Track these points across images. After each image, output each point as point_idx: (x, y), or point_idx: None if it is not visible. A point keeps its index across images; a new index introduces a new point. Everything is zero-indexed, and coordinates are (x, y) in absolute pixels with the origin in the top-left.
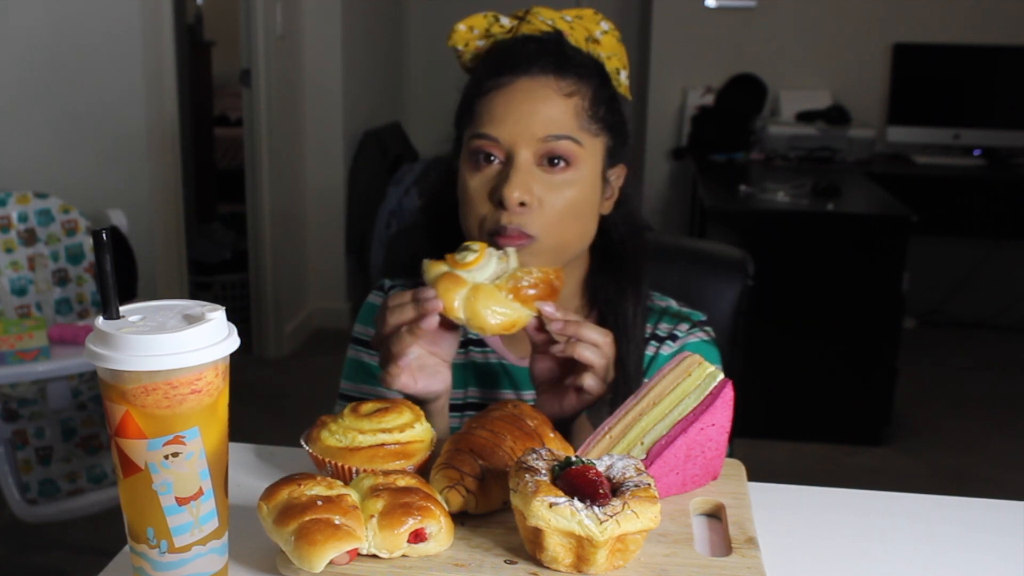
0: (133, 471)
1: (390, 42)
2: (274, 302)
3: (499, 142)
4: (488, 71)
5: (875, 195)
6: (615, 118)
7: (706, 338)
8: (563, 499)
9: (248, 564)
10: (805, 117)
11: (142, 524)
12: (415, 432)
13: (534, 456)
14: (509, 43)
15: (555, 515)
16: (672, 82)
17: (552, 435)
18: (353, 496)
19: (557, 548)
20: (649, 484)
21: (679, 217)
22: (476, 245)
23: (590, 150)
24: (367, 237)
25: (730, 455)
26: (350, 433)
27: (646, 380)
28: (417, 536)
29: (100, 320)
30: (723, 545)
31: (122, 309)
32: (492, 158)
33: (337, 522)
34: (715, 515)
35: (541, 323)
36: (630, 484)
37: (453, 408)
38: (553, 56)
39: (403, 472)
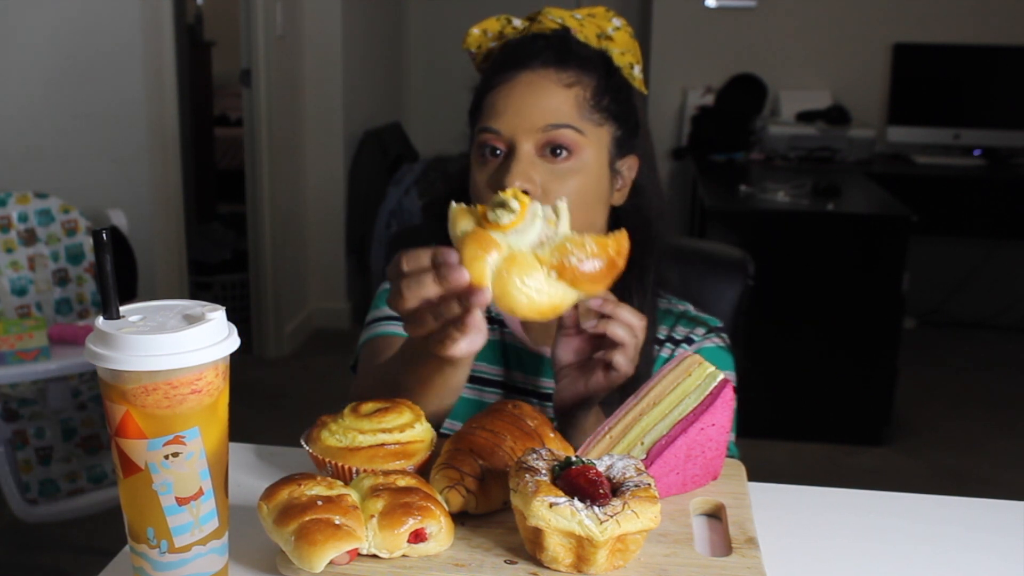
0: (133, 471)
1: (390, 42)
2: (274, 302)
3: (501, 134)
4: (494, 68)
5: (875, 195)
6: (622, 108)
7: (722, 344)
8: (563, 499)
9: (248, 564)
10: (805, 117)
11: (142, 524)
12: (415, 432)
13: (534, 456)
14: (517, 41)
15: (555, 515)
16: (672, 82)
17: (552, 435)
18: (353, 496)
19: (557, 548)
20: (649, 484)
21: (679, 217)
22: (515, 201)
23: (593, 139)
24: (367, 237)
25: (730, 455)
26: (350, 433)
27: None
28: (417, 536)
29: (100, 320)
30: (723, 545)
31: (122, 309)
32: (497, 151)
33: (337, 522)
34: (715, 515)
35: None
36: (630, 484)
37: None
38: (555, 50)
39: (403, 472)
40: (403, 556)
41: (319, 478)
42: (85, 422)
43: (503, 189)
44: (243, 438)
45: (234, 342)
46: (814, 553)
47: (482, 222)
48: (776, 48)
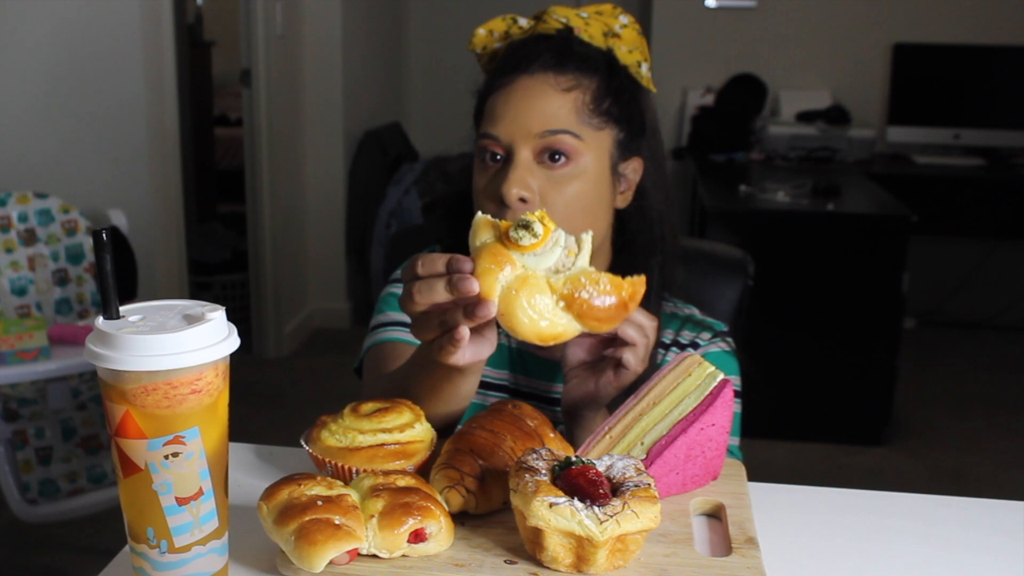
0: (133, 471)
1: (390, 42)
2: (274, 302)
3: (499, 140)
4: (496, 71)
5: (875, 195)
6: (625, 110)
7: (727, 348)
8: (563, 499)
9: (248, 564)
10: (805, 117)
11: (142, 524)
12: (415, 432)
13: (534, 456)
14: (519, 43)
15: (555, 515)
16: (672, 82)
17: (552, 435)
18: (353, 496)
19: (557, 548)
20: (649, 484)
21: (679, 217)
22: (539, 226)
23: (593, 144)
24: (367, 237)
25: (730, 455)
26: (350, 433)
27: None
28: (417, 536)
29: (100, 320)
30: (723, 545)
31: (122, 309)
32: (497, 156)
33: (337, 522)
34: (715, 515)
35: None
36: (630, 484)
37: None
38: (554, 53)
39: (403, 472)
40: (403, 556)
41: (319, 478)
42: (85, 422)
43: (501, 196)
44: (243, 438)
45: (234, 342)
46: (814, 553)
47: (503, 238)
48: (776, 48)
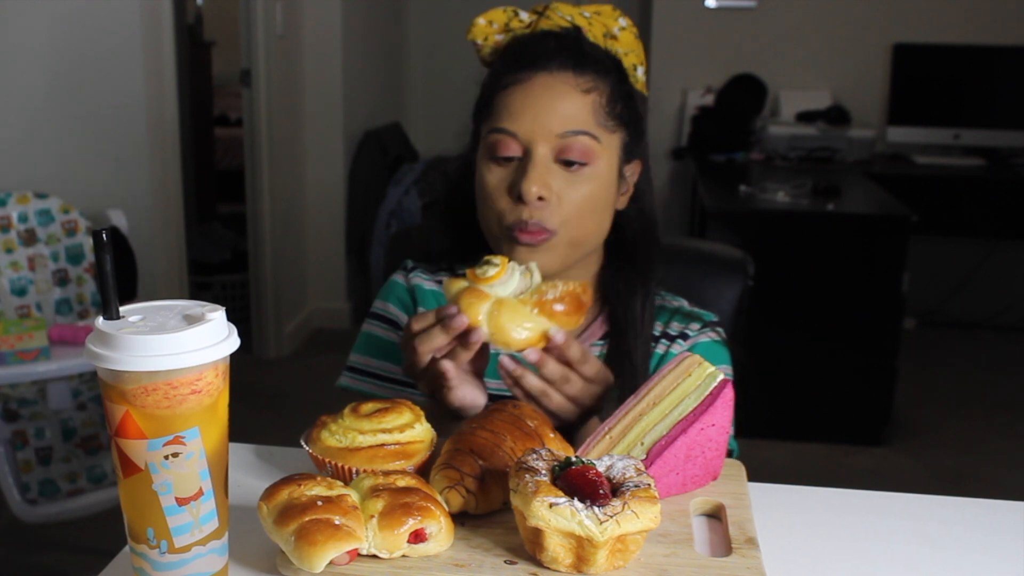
0: (133, 471)
1: (390, 42)
2: (274, 302)
3: (517, 137)
4: (507, 66)
5: (875, 195)
6: (632, 114)
7: (717, 338)
8: (563, 499)
9: (248, 564)
10: (805, 117)
11: (142, 524)
12: (415, 432)
13: (534, 456)
14: (528, 38)
15: (555, 515)
16: (672, 82)
17: (552, 435)
18: (353, 496)
19: (557, 548)
20: (649, 484)
21: (679, 217)
22: (497, 259)
23: (607, 146)
24: (367, 237)
25: (730, 455)
26: (350, 433)
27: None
28: (417, 536)
29: (100, 320)
30: (723, 545)
31: (122, 309)
32: (509, 155)
33: (337, 522)
34: (715, 515)
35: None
36: (630, 484)
37: None
38: (572, 52)
39: (403, 472)
40: (403, 556)
41: (319, 478)
42: (85, 422)
43: (522, 194)
44: (243, 438)
45: (234, 342)
46: (814, 553)
47: (472, 280)
48: (776, 48)
